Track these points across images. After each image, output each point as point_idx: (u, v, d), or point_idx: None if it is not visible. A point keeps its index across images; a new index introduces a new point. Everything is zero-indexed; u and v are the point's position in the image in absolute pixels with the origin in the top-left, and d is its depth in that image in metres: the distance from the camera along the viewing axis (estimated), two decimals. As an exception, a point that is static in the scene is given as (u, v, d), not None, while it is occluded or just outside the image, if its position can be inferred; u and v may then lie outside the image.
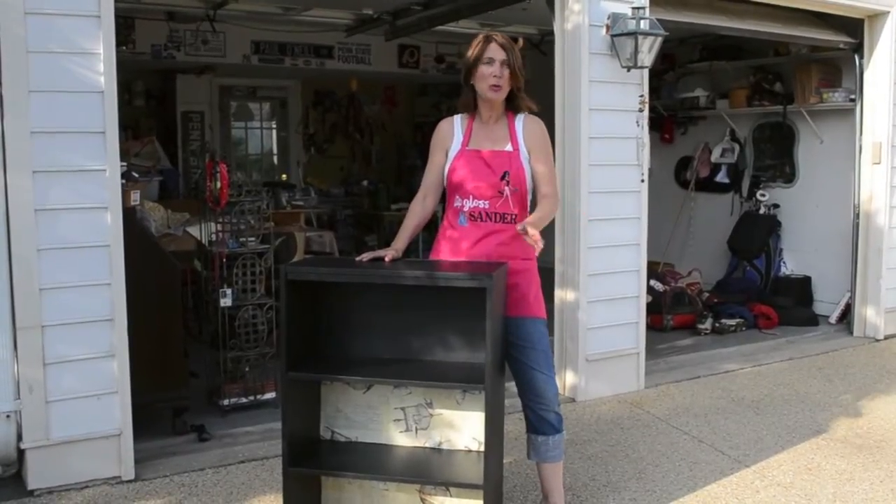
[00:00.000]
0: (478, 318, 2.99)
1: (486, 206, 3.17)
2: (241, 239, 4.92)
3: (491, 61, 3.12)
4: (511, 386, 4.26)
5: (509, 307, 3.19)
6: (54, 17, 3.60)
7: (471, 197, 3.19)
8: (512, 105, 3.25)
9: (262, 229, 5.01)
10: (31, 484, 3.70)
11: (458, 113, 3.34)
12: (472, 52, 3.19)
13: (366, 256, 3.23)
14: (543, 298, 3.33)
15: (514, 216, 3.17)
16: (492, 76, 3.12)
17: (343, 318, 3.35)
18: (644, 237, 5.37)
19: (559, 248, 5.19)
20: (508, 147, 3.20)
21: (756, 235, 7.80)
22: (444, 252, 3.28)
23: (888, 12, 6.51)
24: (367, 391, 3.34)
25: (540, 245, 2.91)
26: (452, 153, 3.25)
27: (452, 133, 3.29)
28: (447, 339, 3.27)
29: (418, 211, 3.37)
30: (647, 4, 5.05)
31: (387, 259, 3.18)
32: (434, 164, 3.32)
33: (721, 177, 8.33)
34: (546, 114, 3.52)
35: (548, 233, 5.16)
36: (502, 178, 3.14)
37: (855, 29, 6.69)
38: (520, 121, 3.24)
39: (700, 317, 7.00)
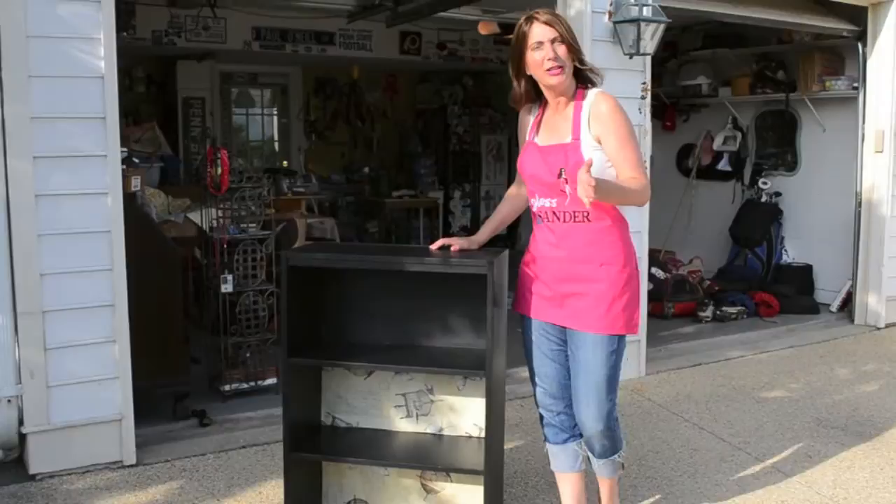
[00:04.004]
0: (479, 305, 2.99)
1: (554, 206, 2.85)
2: (242, 225, 4.92)
3: (540, 45, 2.77)
4: (512, 372, 4.28)
5: (569, 317, 2.90)
6: (55, 1, 3.58)
7: (536, 195, 2.91)
8: (582, 79, 2.87)
9: (263, 216, 5.00)
10: (33, 468, 3.71)
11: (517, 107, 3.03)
12: (514, 40, 2.83)
13: (437, 244, 3.10)
14: (630, 313, 2.89)
15: (586, 214, 2.80)
16: (546, 60, 2.76)
17: (344, 305, 3.35)
18: (646, 225, 5.36)
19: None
20: (567, 138, 2.82)
21: (758, 223, 7.79)
22: (528, 256, 3.01)
23: (892, 0, 6.47)
24: (368, 377, 3.34)
25: (583, 194, 2.49)
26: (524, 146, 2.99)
27: (528, 123, 3.00)
28: (448, 325, 3.27)
29: (511, 196, 3.17)
30: (650, -9, 5.02)
31: (453, 248, 3.06)
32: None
33: (723, 165, 8.30)
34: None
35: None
36: (559, 175, 2.72)
37: (858, 16, 6.65)
38: (588, 101, 2.83)
39: (701, 304, 7.00)
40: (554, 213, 2.86)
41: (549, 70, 2.77)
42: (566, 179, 2.69)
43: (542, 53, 2.77)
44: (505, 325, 3.14)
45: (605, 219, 2.85)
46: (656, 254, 7.26)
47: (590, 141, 2.79)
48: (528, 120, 3.01)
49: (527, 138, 2.98)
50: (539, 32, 2.78)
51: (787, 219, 7.81)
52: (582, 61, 2.84)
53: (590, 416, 2.91)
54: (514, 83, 2.93)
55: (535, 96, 2.95)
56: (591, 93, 2.86)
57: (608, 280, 2.85)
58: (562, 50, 2.77)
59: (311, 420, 3.35)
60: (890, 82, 6.54)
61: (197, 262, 5.64)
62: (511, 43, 2.89)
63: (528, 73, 2.86)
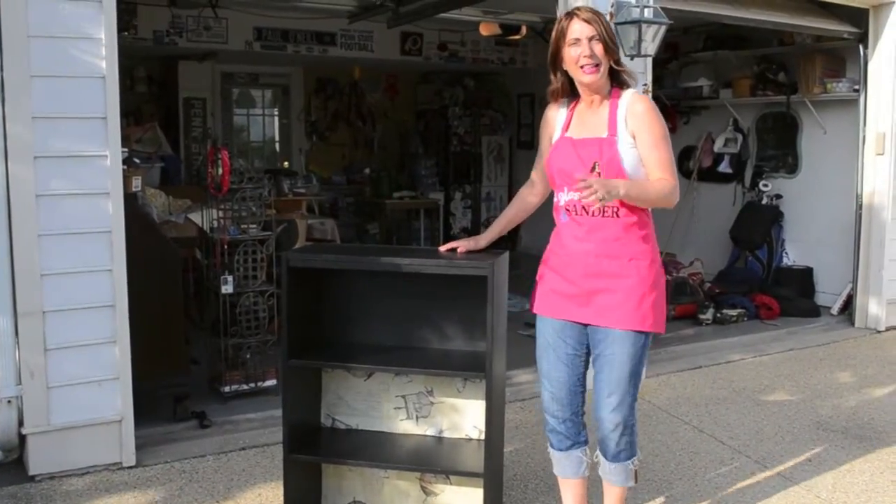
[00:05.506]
0: (479, 307, 2.99)
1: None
2: (243, 226, 4.91)
3: (577, 42, 2.77)
4: (512, 374, 4.28)
5: (595, 314, 2.86)
6: (56, 1, 3.57)
7: (565, 189, 2.87)
8: (618, 80, 2.88)
9: (264, 216, 5.00)
10: (32, 469, 3.71)
11: (548, 102, 3.03)
12: (554, 34, 2.86)
13: (445, 247, 3.12)
14: (659, 311, 2.88)
15: (615, 209, 2.80)
16: (582, 57, 2.77)
17: (344, 306, 3.35)
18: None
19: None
20: (604, 133, 2.82)
21: (758, 226, 7.78)
22: (550, 250, 2.98)
23: (893, 2, 6.48)
24: (368, 379, 3.34)
25: (590, 195, 2.55)
26: (553, 141, 2.96)
27: (556, 119, 2.98)
28: (449, 327, 3.27)
29: (522, 196, 3.17)
30: (652, -7, 5.02)
31: (459, 250, 3.08)
32: (541, 153, 3.05)
33: (724, 167, 8.30)
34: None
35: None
36: (592, 169, 2.75)
37: (860, 19, 6.66)
38: (624, 101, 2.85)
39: (701, 307, 6.99)
40: (583, 206, 2.82)
41: (583, 67, 2.79)
42: (599, 174, 2.69)
43: (578, 50, 2.78)
44: (505, 327, 3.14)
45: (633, 215, 2.84)
46: (657, 256, 7.24)
47: (626, 138, 2.80)
48: (554, 117, 2.99)
49: (557, 135, 2.95)
50: (577, 29, 2.79)
51: (787, 221, 7.81)
52: (618, 62, 2.84)
53: (609, 407, 2.86)
54: (552, 77, 2.93)
55: (571, 91, 2.94)
56: (627, 93, 2.88)
57: (638, 275, 2.82)
58: (598, 48, 2.78)
59: (310, 422, 3.35)
60: (891, 85, 6.55)
61: (197, 263, 5.64)
62: (550, 38, 2.90)
63: (565, 68, 2.87)
